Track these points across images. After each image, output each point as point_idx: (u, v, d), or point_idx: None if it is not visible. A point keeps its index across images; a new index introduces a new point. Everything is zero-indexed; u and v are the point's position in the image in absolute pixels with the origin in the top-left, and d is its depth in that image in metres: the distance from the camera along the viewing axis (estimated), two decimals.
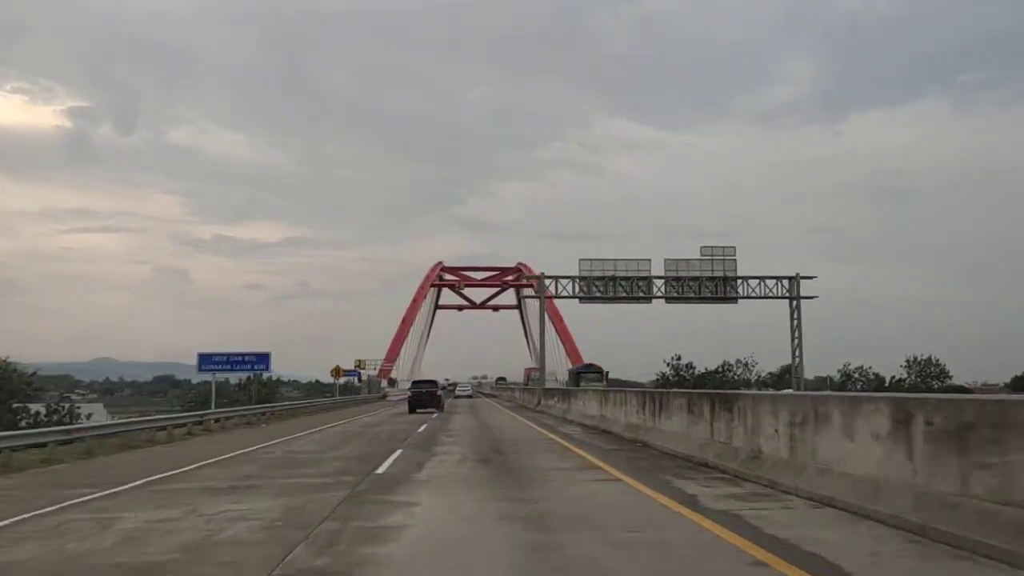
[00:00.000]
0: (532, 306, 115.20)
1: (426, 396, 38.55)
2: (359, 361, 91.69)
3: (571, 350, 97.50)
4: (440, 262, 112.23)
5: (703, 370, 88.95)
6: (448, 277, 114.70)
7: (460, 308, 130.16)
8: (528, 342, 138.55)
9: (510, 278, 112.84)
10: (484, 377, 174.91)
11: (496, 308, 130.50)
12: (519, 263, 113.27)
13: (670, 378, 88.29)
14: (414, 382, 46.50)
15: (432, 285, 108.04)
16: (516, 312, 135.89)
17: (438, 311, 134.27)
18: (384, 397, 74.82)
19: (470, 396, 74.53)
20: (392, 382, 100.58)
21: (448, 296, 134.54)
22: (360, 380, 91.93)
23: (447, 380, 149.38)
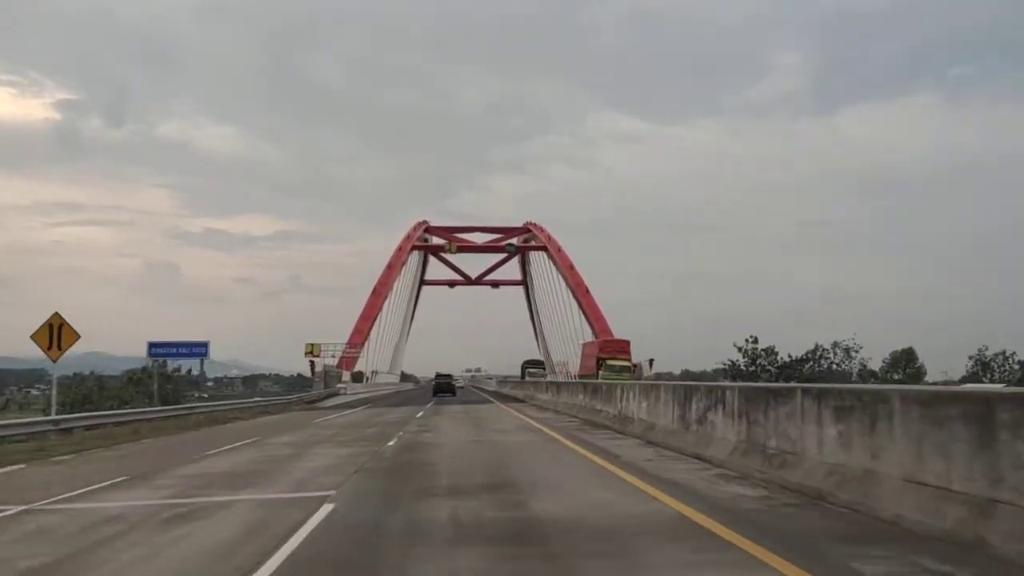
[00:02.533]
0: (540, 280, 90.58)
1: (445, 386, 53.70)
2: (311, 346, 66.60)
3: (595, 319, 72.62)
4: (424, 221, 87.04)
5: (786, 357, 64.56)
6: (436, 241, 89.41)
7: (452, 284, 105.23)
8: (535, 328, 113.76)
9: (517, 240, 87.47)
10: (478, 370, 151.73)
11: (496, 284, 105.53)
12: (528, 223, 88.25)
13: (743, 368, 63.87)
14: (437, 374, 62.84)
15: (415, 248, 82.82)
16: (521, 290, 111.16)
17: (424, 287, 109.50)
18: (320, 400, 45.61)
19: (460, 387, 71.42)
20: (359, 376, 75.66)
21: (436, 271, 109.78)
22: (314, 372, 66.91)
23: (438, 374, 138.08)
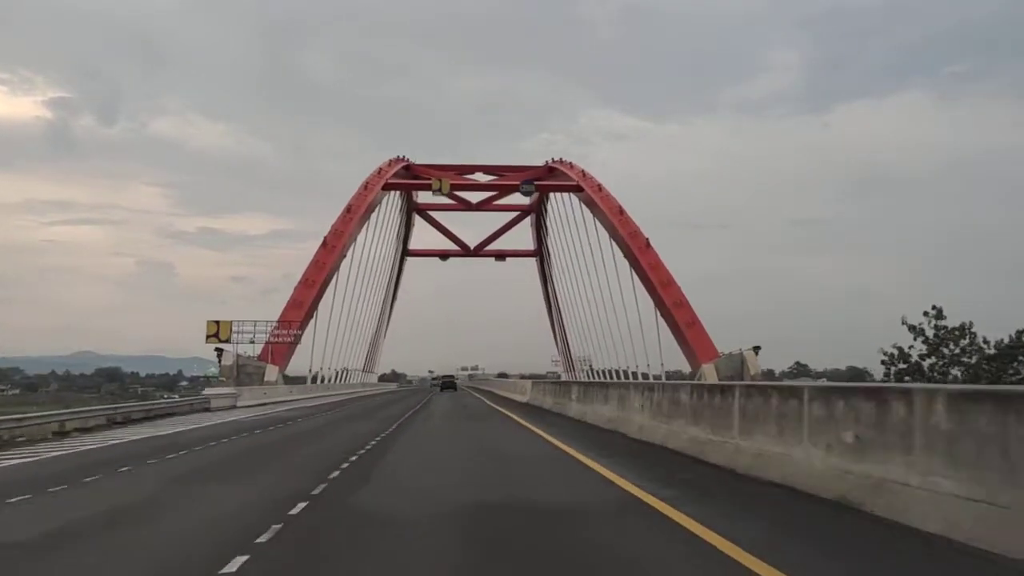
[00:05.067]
0: (565, 242, 64.42)
1: (449, 384, 68.88)
2: (215, 325, 41.48)
3: (662, 283, 47.95)
4: (402, 157, 61.65)
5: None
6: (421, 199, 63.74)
7: (444, 255, 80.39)
8: (551, 313, 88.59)
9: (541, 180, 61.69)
10: (475, 368, 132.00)
11: (501, 255, 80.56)
12: (551, 161, 62.96)
13: (917, 361, 38.81)
14: (443, 376, 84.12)
15: (389, 187, 57.34)
16: (534, 264, 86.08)
17: (408, 259, 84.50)
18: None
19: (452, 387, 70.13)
20: (286, 378, 50.52)
21: (423, 239, 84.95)
22: (219, 364, 41.84)
23: (431, 372, 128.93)
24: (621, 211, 51.65)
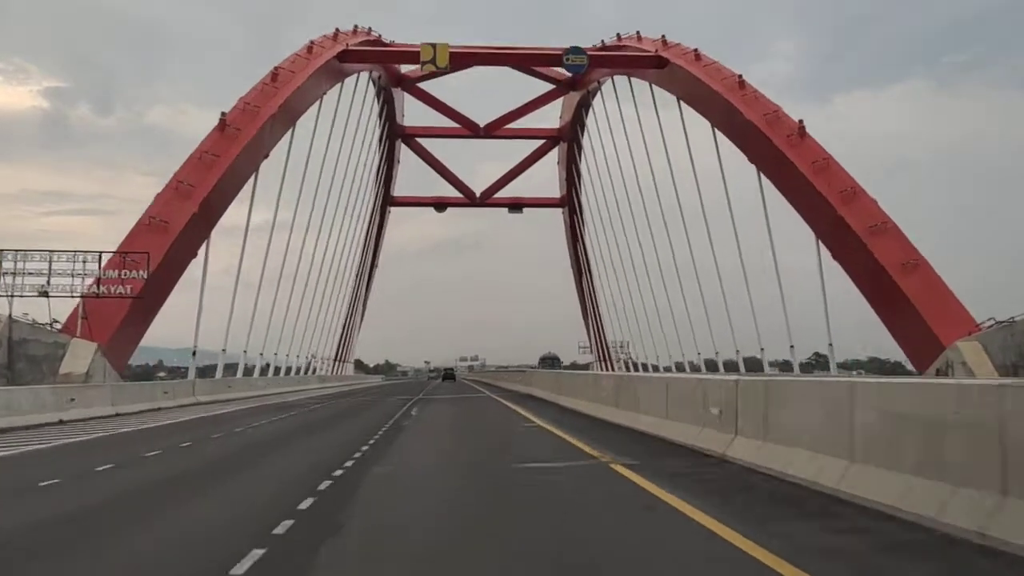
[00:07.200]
0: (615, 161, 42.44)
1: (449, 376, 76.29)
2: None
3: (842, 197, 26.65)
4: (372, 31, 39.99)
5: None
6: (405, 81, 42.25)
7: (440, 204, 59.50)
8: (581, 280, 66.59)
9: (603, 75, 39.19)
10: (475, 359, 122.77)
11: (517, 205, 59.65)
12: (605, 42, 41.37)
13: None
14: (445, 370, 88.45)
15: (347, 58, 35.33)
16: (561, 215, 64.64)
17: (392, 210, 63.58)
18: None
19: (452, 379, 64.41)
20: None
21: (412, 183, 64.55)
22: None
23: (427, 363, 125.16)
24: (742, 84, 30.27)
